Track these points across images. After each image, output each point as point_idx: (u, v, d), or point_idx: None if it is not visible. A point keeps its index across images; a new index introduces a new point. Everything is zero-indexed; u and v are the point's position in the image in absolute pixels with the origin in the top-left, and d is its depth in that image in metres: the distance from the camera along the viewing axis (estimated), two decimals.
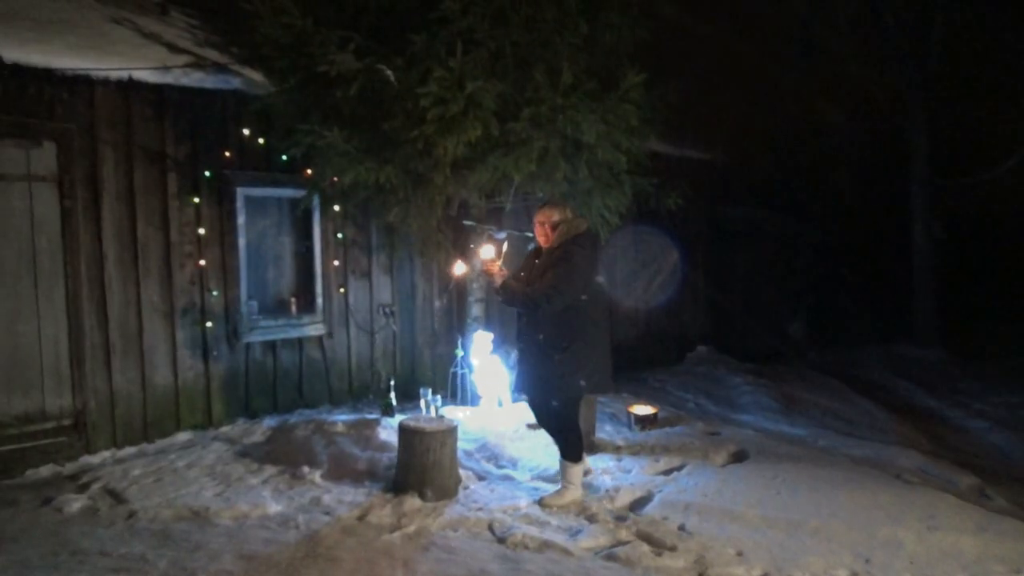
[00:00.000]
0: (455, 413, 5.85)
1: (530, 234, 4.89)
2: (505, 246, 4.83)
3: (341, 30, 5.17)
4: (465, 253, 6.08)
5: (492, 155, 5.30)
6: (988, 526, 4.14)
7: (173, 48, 5.98)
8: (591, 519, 4.26)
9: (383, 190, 5.58)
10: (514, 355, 4.66)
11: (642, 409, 6.25)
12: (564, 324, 4.34)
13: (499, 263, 4.52)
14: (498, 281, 4.37)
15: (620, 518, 4.29)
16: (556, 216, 4.47)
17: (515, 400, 6.17)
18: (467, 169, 5.53)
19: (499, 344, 6.41)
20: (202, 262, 5.91)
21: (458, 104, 4.86)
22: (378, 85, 5.17)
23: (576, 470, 4.57)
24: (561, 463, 4.61)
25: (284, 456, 5.21)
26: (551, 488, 4.66)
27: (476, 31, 5.09)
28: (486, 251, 4.56)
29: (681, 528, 4.14)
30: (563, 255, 4.32)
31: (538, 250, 4.62)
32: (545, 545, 3.92)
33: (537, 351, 4.41)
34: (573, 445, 4.56)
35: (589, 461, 5.28)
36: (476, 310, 6.43)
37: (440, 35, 5.09)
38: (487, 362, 6.20)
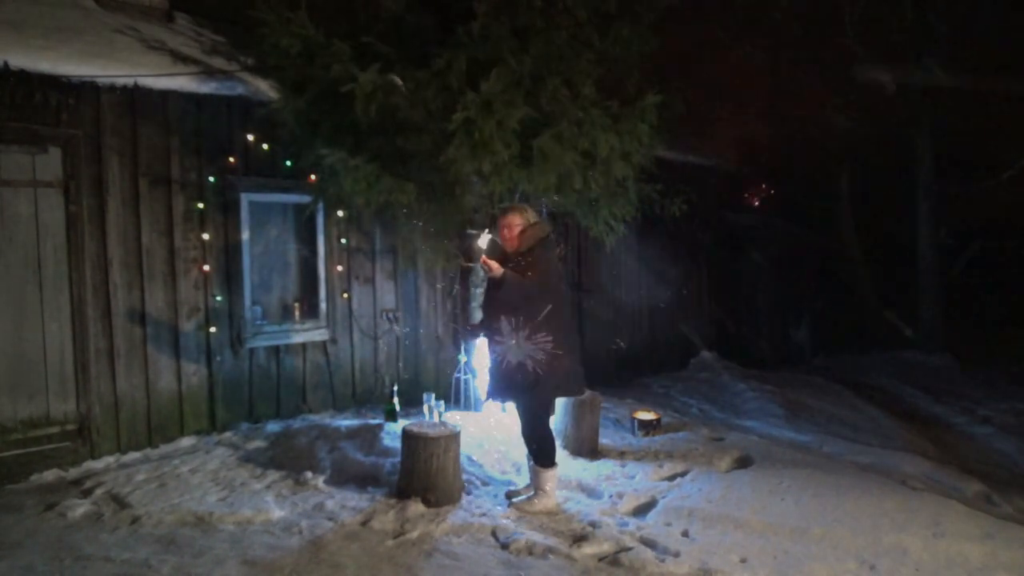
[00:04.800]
0: (458, 418, 5.84)
1: None
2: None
3: (353, 41, 5.17)
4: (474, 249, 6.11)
5: (507, 167, 5.30)
6: (995, 533, 4.11)
7: (178, 55, 6.01)
8: (595, 525, 4.24)
9: (396, 202, 5.57)
10: (488, 362, 4.61)
11: (646, 415, 6.24)
12: (534, 328, 4.32)
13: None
14: (498, 272, 4.24)
15: (623, 524, 4.28)
16: (519, 220, 4.48)
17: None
18: (480, 179, 5.55)
19: None
20: (206, 267, 5.93)
21: (488, 128, 4.85)
22: (395, 99, 5.16)
23: (548, 475, 4.51)
24: (532, 469, 4.57)
25: (287, 461, 5.22)
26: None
27: (502, 48, 5.07)
28: (484, 241, 4.48)
29: (685, 534, 4.13)
30: (535, 259, 4.34)
31: (501, 255, 4.55)
32: (549, 551, 3.91)
33: (510, 354, 4.36)
34: (545, 450, 4.51)
35: (595, 467, 5.28)
36: (479, 315, 6.42)
37: (465, 50, 5.06)
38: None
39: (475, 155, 4.96)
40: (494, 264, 4.20)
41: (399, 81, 5.07)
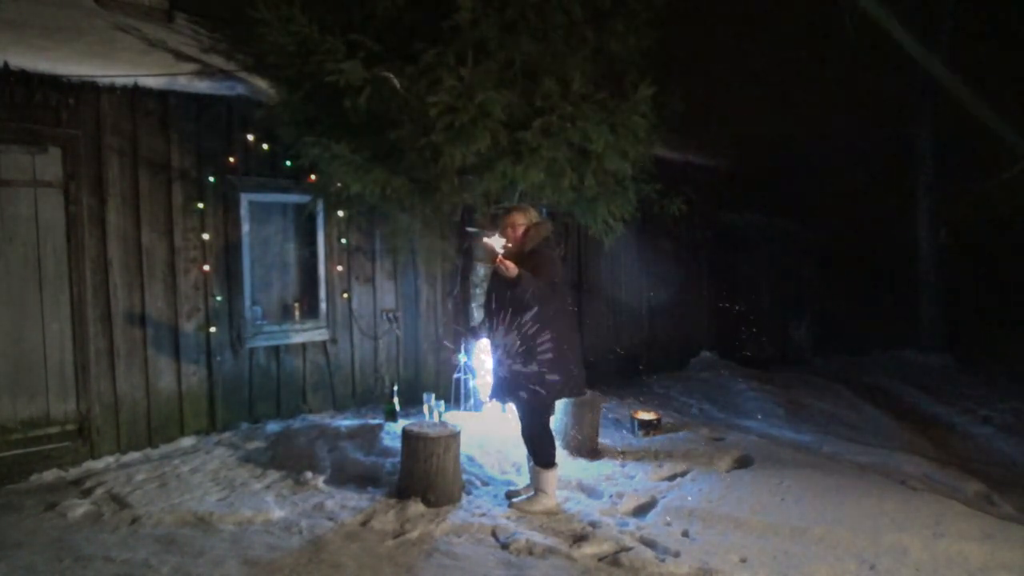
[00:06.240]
0: (458, 418, 5.84)
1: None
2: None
3: (347, 38, 5.18)
4: (475, 251, 6.11)
5: (500, 162, 5.30)
6: (994, 533, 4.12)
7: (178, 55, 6.01)
8: (595, 525, 4.24)
9: (389, 198, 5.59)
10: (490, 361, 4.58)
11: (646, 414, 6.24)
12: (540, 328, 4.31)
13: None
14: (513, 271, 4.15)
15: (623, 524, 4.28)
16: (522, 220, 4.50)
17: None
18: (474, 175, 5.55)
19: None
20: (206, 267, 5.93)
21: (468, 113, 4.86)
22: (386, 94, 5.17)
23: (549, 476, 4.50)
24: (532, 469, 4.56)
25: (287, 461, 5.22)
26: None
27: (488, 42, 5.08)
28: (497, 241, 4.41)
29: (685, 534, 4.13)
30: (540, 259, 4.34)
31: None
32: (549, 551, 3.91)
33: (515, 355, 4.36)
34: (545, 450, 4.49)
35: (595, 467, 5.27)
36: (480, 315, 6.43)
37: (454, 43, 5.08)
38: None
39: (455, 141, 4.95)
40: (511, 264, 4.14)
41: (394, 79, 5.07)
